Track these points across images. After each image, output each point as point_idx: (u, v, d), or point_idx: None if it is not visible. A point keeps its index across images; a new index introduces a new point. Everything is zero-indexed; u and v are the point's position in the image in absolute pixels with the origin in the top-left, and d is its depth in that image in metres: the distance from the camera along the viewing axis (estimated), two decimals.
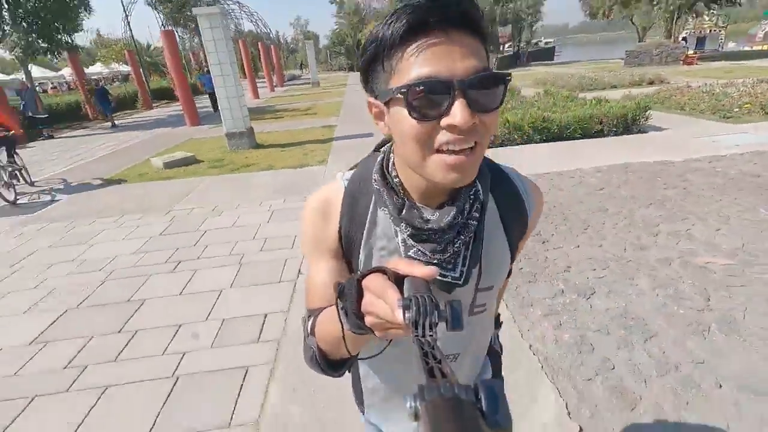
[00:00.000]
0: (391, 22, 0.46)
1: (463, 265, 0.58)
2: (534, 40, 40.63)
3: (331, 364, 0.60)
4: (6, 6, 11.68)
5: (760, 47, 25.19)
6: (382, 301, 0.39)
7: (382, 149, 0.65)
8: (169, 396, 2.07)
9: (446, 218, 0.55)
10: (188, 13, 27.72)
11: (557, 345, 2.18)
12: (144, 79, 19.46)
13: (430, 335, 0.32)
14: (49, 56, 14.39)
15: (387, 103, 0.50)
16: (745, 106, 7.24)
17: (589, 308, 2.44)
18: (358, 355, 0.58)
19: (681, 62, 18.62)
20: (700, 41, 24.89)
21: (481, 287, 0.64)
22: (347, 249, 0.65)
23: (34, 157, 9.17)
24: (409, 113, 0.47)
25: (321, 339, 0.58)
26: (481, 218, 0.59)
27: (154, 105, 20.08)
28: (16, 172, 6.06)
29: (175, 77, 11.44)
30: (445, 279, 0.56)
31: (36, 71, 19.55)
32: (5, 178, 5.69)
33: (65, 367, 2.35)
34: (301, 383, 2.07)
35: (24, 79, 13.60)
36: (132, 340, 2.54)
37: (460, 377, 0.24)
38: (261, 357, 2.29)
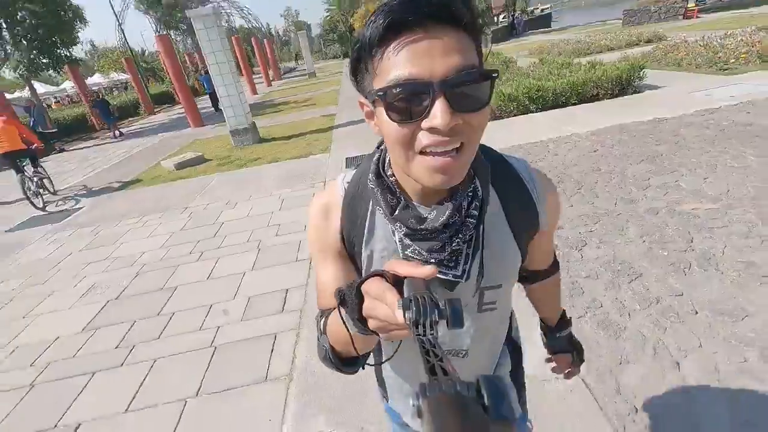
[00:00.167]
0: (370, 23, 0.46)
1: (465, 263, 0.57)
2: (530, 8, 39.64)
3: (344, 361, 0.61)
4: (5, 26, 11.96)
5: None
6: (382, 304, 0.39)
7: (381, 147, 0.64)
8: (210, 362, 2.37)
9: (442, 217, 0.54)
10: (179, 15, 27.75)
11: None
12: (143, 85, 19.71)
13: (431, 334, 0.32)
14: (51, 72, 14.71)
15: (373, 104, 0.50)
16: (742, 56, 7.20)
17: (581, 258, 2.66)
18: (369, 354, 0.60)
19: (681, 17, 18.16)
20: None
21: (486, 285, 0.62)
22: (350, 250, 0.66)
23: (53, 170, 9.53)
24: (389, 116, 0.47)
25: (332, 338, 0.59)
26: (481, 215, 0.57)
27: (155, 110, 20.38)
28: (43, 181, 6.51)
29: (174, 81, 11.65)
30: (446, 277, 0.56)
31: (38, 87, 19.90)
32: (33, 188, 6.14)
33: (116, 347, 2.67)
34: None
35: (30, 97, 13.95)
36: (170, 322, 2.85)
37: (473, 373, 0.25)
38: (287, 324, 2.57)
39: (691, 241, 2.60)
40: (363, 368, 0.62)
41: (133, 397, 2.20)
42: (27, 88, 14.86)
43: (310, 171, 5.75)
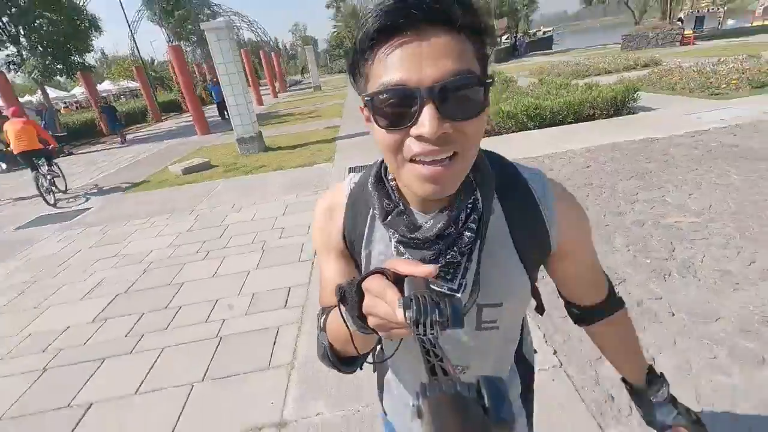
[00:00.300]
0: (362, 25, 0.45)
1: (463, 276, 0.55)
2: (532, 30, 40.61)
3: (342, 360, 0.61)
4: (23, 33, 12.38)
5: (760, 23, 25.03)
6: (382, 302, 0.39)
7: None
8: (215, 351, 2.50)
9: (435, 228, 0.52)
10: (190, 27, 28.49)
11: None
12: (152, 93, 20.16)
13: (431, 333, 0.32)
14: (64, 77, 15.12)
15: (366, 108, 0.49)
16: (733, 82, 7.48)
17: None
18: (368, 354, 0.59)
19: (678, 43, 18.69)
20: (699, 20, 24.83)
21: (484, 302, 0.59)
22: (351, 250, 0.66)
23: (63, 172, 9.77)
24: (376, 121, 0.46)
25: (332, 336, 0.58)
26: (479, 228, 0.54)
27: (163, 117, 20.77)
28: (54, 179, 6.87)
29: (184, 90, 11.98)
30: (441, 290, 0.54)
31: (49, 92, 20.33)
32: (46, 185, 6.49)
33: (126, 336, 2.80)
34: None
35: (42, 101, 14.30)
36: (178, 314, 2.98)
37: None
38: (289, 319, 2.71)
39: (673, 251, 2.76)
40: (361, 368, 0.62)
41: (143, 381, 2.33)
42: (38, 92, 15.22)
43: (314, 179, 5.93)
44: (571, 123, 6.79)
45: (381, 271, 0.42)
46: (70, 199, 6.98)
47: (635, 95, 6.95)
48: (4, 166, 11.00)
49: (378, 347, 0.77)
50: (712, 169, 4.03)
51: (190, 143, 11.48)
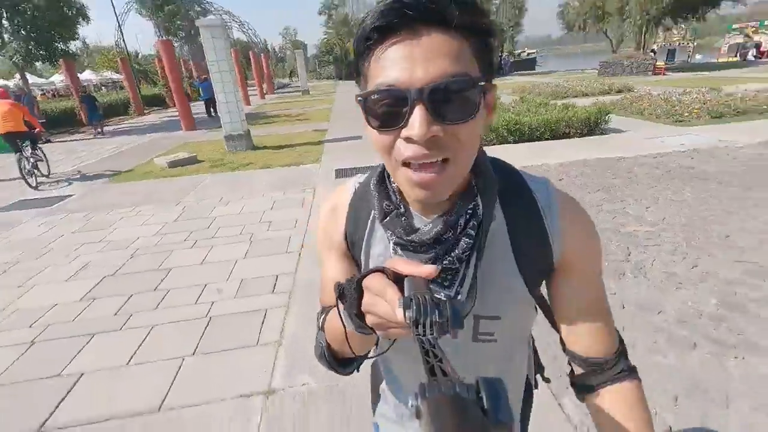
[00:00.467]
0: (360, 25, 0.45)
1: (460, 284, 0.53)
2: (517, 51, 42.05)
3: (339, 361, 0.60)
4: (6, 15, 12.09)
5: (725, 59, 26.83)
6: (382, 301, 0.39)
7: None
8: (205, 329, 2.62)
9: (432, 232, 0.51)
10: (178, 23, 28.22)
11: None
12: (137, 86, 19.85)
13: (431, 334, 0.32)
14: (46, 63, 14.76)
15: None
16: (695, 111, 8.11)
17: None
18: (367, 355, 0.59)
19: (651, 73, 19.85)
20: (671, 53, 26.42)
21: (481, 314, 0.57)
22: (352, 250, 0.66)
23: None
24: (369, 122, 0.46)
25: (329, 336, 0.58)
26: (478, 235, 0.52)
27: (146, 111, 20.44)
28: (37, 163, 6.88)
29: (172, 85, 11.92)
30: (437, 296, 0.51)
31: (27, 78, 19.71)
32: (28, 167, 6.53)
33: (114, 315, 2.88)
34: (314, 317, 2.64)
35: (21, 85, 13.91)
36: (167, 296, 3.08)
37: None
38: (277, 302, 2.86)
39: (629, 255, 3.08)
40: (357, 371, 0.62)
41: (133, 354, 2.43)
42: (17, 76, 14.79)
43: (301, 179, 6.09)
44: (547, 140, 7.20)
45: (381, 270, 0.42)
46: (53, 183, 6.97)
47: (607, 117, 7.46)
48: None
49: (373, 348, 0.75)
50: (669, 186, 4.44)
51: (174, 138, 11.42)
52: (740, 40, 27.70)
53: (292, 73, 55.73)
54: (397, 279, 0.41)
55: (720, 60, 27.03)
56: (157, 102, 23.00)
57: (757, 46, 26.36)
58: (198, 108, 16.23)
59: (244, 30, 27.80)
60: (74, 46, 17.02)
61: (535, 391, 0.82)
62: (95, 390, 2.19)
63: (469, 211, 0.52)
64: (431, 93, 0.41)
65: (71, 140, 12.98)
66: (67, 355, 2.47)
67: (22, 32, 12.50)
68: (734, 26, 29.87)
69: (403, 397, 0.76)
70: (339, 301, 0.47)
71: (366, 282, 0.42)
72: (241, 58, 28.10)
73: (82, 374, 2.30)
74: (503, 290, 0.57)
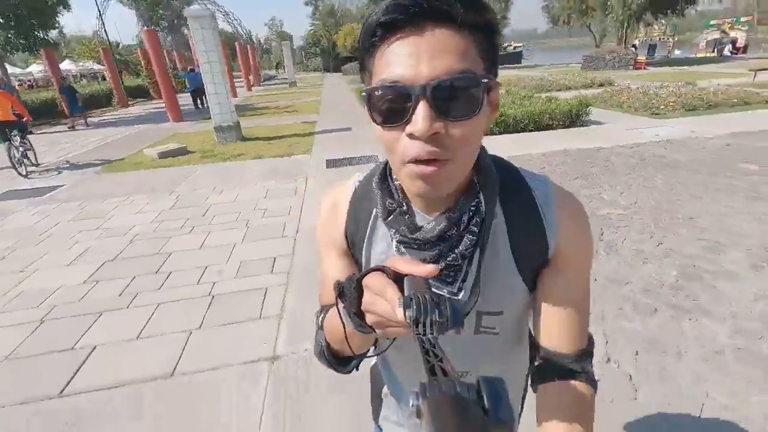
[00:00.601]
0: (365, 21, 0.45)
1: (463, 280, 0.55)
2: (504, 44, 42.40)
3: (338, 360, 0.61)
4: None
5: (702, 54, 27.64)
6: (382, 300, 0.40)
7: None
8: (209, 306, 2.79)
9: (436, 229, 0.52)
10: (160, 12, 27.63)
11: None
12: (119, 77, 19.46)
13: (431, 333, 0.32)
14: (26, 53, 14.37)
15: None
16: (670, 104, 8.48)
17: None
18: (366, 353, 0.59)
19: (632, 67, 20.36)
20: (652, 48, 27.07)
21: (483, 310, 0.58)
22: (352, 249, 0.66)
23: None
24: (373, 118, 0.47)
25: (329, 335, 0.59)
26: (481, 233, 0.53)
27: (129, 102, 20.07)
28: (27, 152, 6.91)
29: (159, 75, 11.81)
30: (440, 293, 0.53)
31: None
32: (18, 156, 6.58)
33: (120, 295, 3.02)
34: (313, 293, 2.83)
35: (0, 76, 13.55)
36: (169, 278, 3.22)
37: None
38: (276, 281, 3.04)
39: (602, 234, 3.34)
40: (357, 369, 0.62)
41: (142, 329, 2.59)
42: None
43: (293, 169, 6.22)
44: (531, 131, 7.46)
45: (381, 269, 0.43)
46: (42, 173, 7.00)
47: (587, 110, 7.76)
48: None
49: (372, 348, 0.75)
50: (642, 174, 4.73)
51: (162, 129, 11.34)
52: (717, 36, 28.53)
53: (278, 65, 55.09)
54: (397, 278, 0.41)
55: (698, 55, 27.83)
56: (140, 93, 22.58)
57: (733, 42, 27.22)
58: (183, 99, 16.07)
59: (230, 21, 27.37)
60: (53, 34, 16.57)
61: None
62: (109, 360, 2.34)
63: (472, 208, 0.53)
64: (435, 89, 0.42)
65: (53, 132, 12.76)
66: (77, 331, 2.61)
67: (1, 20, 12.16)
68: (712, 22, 30.72)
69: (404, 398, 0.77)
70: (339, 300, 0.47)
71: (366, 281, 0.43)
72: (227, 50, 27.71)
73: (95, 347, 2.45)
74: (504, 286, 0.58)
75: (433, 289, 0.43)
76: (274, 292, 2.91)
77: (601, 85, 13.27)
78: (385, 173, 0.59)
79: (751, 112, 7.80)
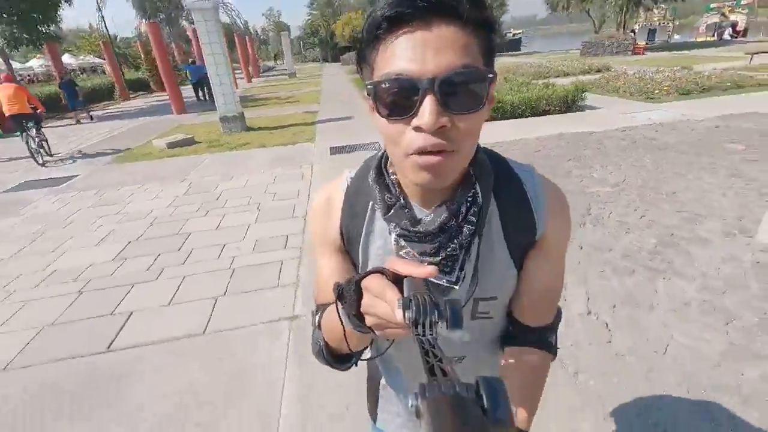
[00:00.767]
0: (370, 14, 0.46)
1: (461, 269, 0.56)
2: (503, 31, 42.09)
3: (337, 358, 0.62)
4: None
5: (702, 39, 27.52)
6: (381, 301, 0.40)
7: None
8: (231, 277, 3.07)
9: (437, 221, 0.53)
10: (159, 3, 27.54)
11: None
12: (120, 70, 19.58)
13: (431, 334, 0.32)
14: (29, 47, 14.51)
15: (368, 97, 0.49)
16: (665, 89, 8.66)
17: None
18: (363, 351, 0.61)
19: (630, 52, 20.38)
20: (652, 33, 26.93)
21: (480, 296, 0.61)
22: (348, 246, 0.66)
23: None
24: (378, 111, 0.47)
25: (327, 334, 0.59)
26: (479, 223, 0.55)
27: (131, 96, 20.22)
28: (42, 142, 7.32)
29: (161, 67, 11.98)
30: (440, 282, 0.55)
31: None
32: (34, 146, 7.00)
33: (147, 270, 3.30)
34: None
35: (6, 71, 13.71)
36: (191, 254, 3.51)
37: (470, 377, 0.24)
38: (290, 255, 3.32)
39: (590, 209, 3.60)
40: (355, 365, 0.63)
41: (172, 297, 2.87)
42: None
43: (298, 156, 6.47)
44: (528, 117, 7.68)
45: (380, 271, 0.43)
46: (57, 162, 7.40)
47: (583, 95, 7.96)
48: None
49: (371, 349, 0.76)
50: (632, 155, 4.97)
51: (166, 121, 11.56)
52: (717, 19, 28.37)
53: (277, 56, 54.79)
54: (396, 280, 0.42)
55: (698, 39, 27.71)
56: (140, 86, 22.69)
57: (733, 25, 27.08)
58: (185, 92, 16.22)
59: (228, 11, 27.29)
60: (53, 28, 16.66)
61: None
62: (146, 322, 2.63)
63: (469, 199, 0.55)
64: (442, 84, 0.43)
65: (58, 126, 12.97)
66: (113, 300, 2.90)
67: (5, 15, 12.30)
68: (712, 6, 30.49)
69: (404, 397, 0.78)
70: (338, 302, 0.47)
71: (365, 283, 0.43)
72: (226, 42, 27.73)
73: (131, 312, 2.74)
74: (499, 273, 0.60)
75: (433, 279, 0.46)
76: (289, 264, 3.19)
77: (599, 70, 13.39)
78: (380, 168, 0.60)
79: (745, 95, 7.99)
